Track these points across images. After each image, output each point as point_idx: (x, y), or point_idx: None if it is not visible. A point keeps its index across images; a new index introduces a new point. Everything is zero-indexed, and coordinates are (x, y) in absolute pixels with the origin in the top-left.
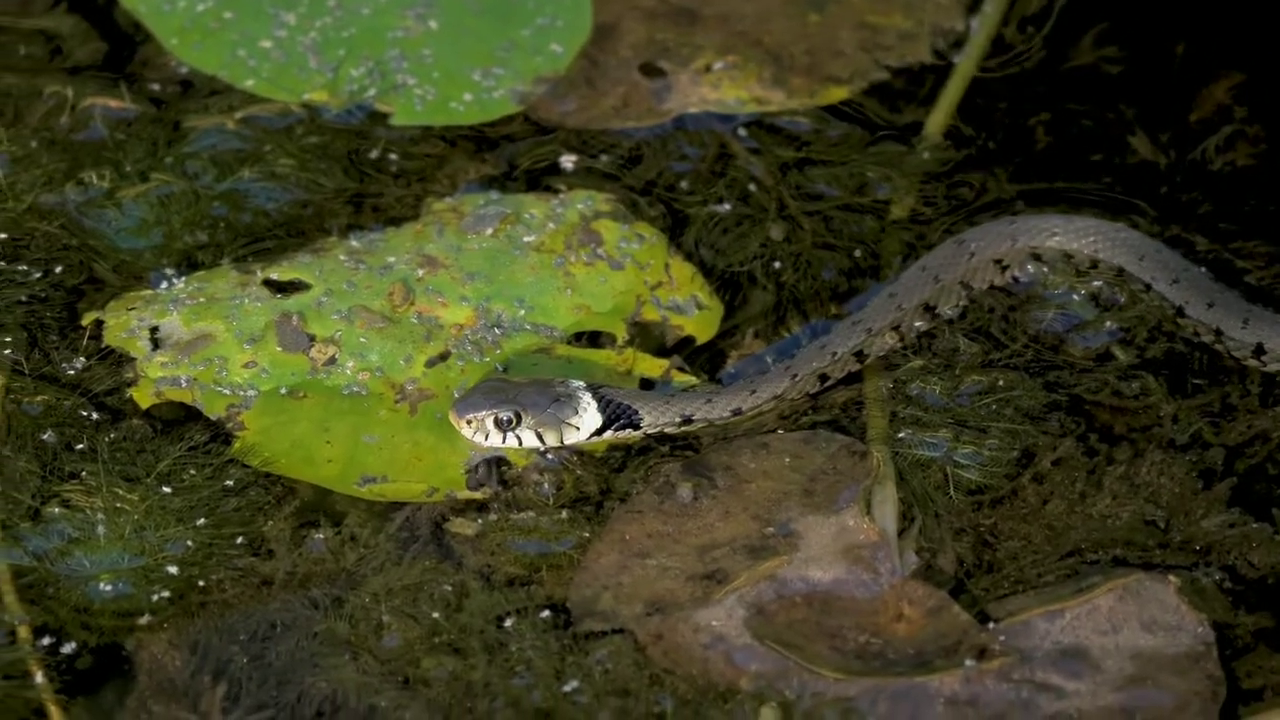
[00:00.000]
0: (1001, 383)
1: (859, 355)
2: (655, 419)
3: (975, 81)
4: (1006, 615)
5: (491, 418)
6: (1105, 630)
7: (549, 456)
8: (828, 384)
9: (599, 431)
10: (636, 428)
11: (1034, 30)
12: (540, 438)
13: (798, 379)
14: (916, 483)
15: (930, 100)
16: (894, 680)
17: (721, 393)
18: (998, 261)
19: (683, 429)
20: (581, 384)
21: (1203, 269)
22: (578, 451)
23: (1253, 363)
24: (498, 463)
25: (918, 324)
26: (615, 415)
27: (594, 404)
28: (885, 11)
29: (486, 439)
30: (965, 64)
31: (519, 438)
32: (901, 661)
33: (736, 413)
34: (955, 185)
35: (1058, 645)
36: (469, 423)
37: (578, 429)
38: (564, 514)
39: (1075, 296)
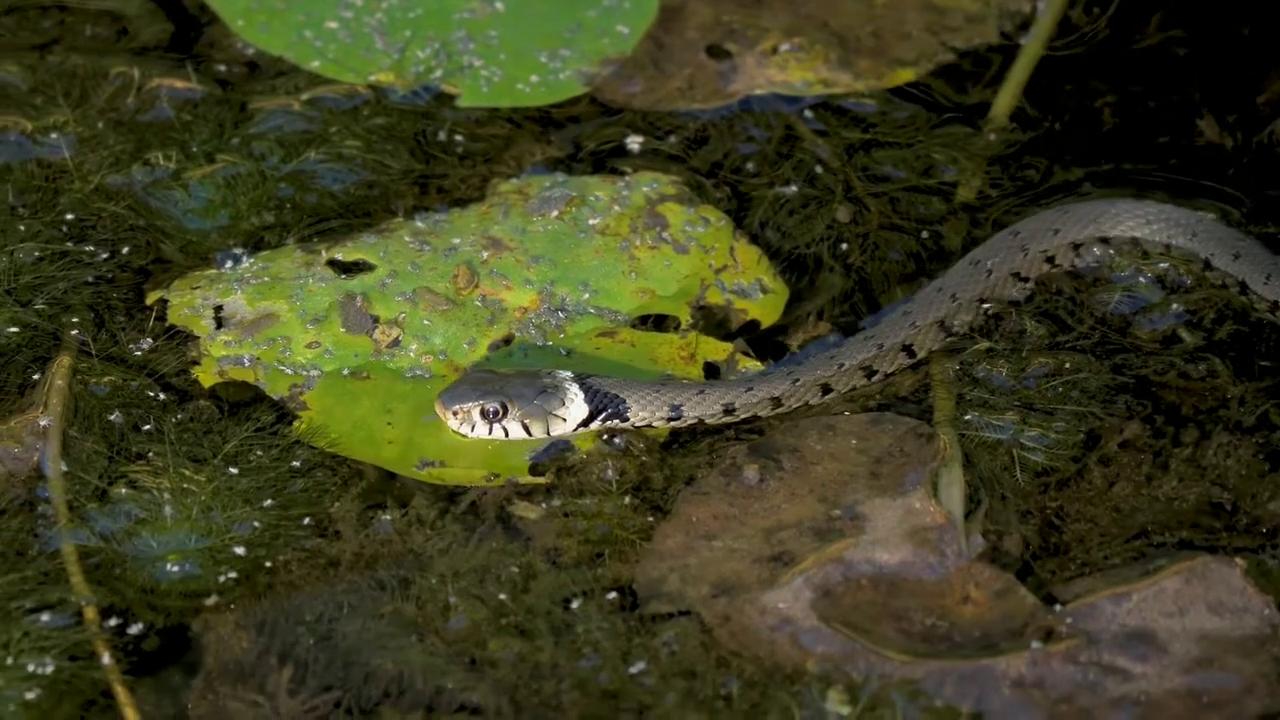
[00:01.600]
0: (1068, 365)
1: (869, 371)
2: (643, 410)
3: (1042, 63)
4: (1073, 598)
5: (478, 409)
6: (1172, 613)
7: (616, 441)
8: (829, 394)
9: (585, 422)
10: (624, 419)
11: (1100, 12)
12: (527, 429)
13: (799, 383)
14: (983, 465)
15: (997, 82)
16: (960, 663)
17: (715, 387)
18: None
19: (672, 424)
20: (569, 374)
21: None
22: (641, 437)
23: None
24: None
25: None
26: (602, 406)
27: (580, 395)
28: None
29: (473, 430)
30: (1032, 46)
31: (505, 429)
32: (968, 644)
33: (729, 410)
34: (1022, 167)
35: (1124, 628)
36: (455, 413)
37: (564, 420)
38: (628, 499)
39: (1141, 279)
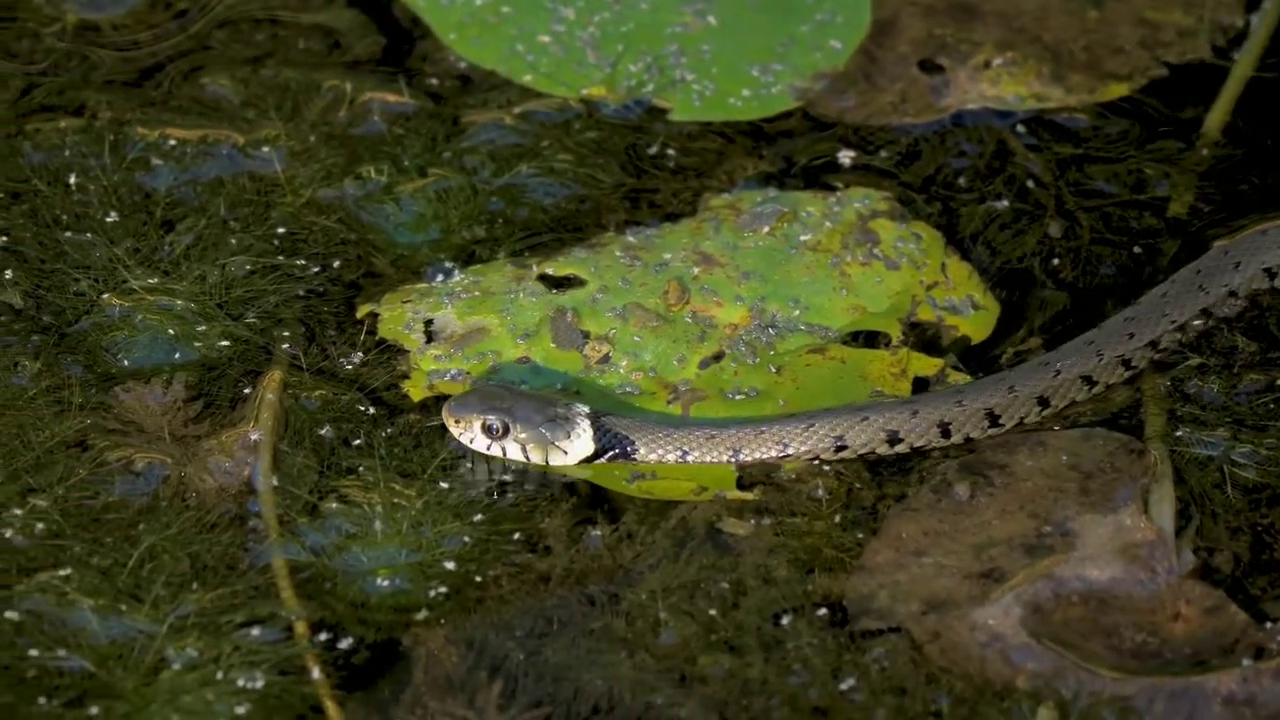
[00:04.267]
0: None
1: (893, 440)
2: (652, 453)
3: (1255, 79)
4: None
5: (480, 422)
6: None
7: (823, 464)
8: (843, 450)
9: (590, 459)
10: (632, 459)
11: None
12: (525, 453)
13: (811, 428)
14: (1194, 481)
15: (1209, 97)
16: (1171, 679)
17: (727, 429)
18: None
19: (681, 464)
20: (584, 409)
21: None
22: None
23: None
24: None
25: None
26: (610, 445)
27: (589, 431)
28: (1165, 8)
29: (472, 443)
30: (1245, 61)
31: (504, 449)
32: (1178, 660)
33: (734, 457)
34: (1235, 183)
35: None
36: (457, 422)
37: (565, 453)
38: (838, 517)
39: None
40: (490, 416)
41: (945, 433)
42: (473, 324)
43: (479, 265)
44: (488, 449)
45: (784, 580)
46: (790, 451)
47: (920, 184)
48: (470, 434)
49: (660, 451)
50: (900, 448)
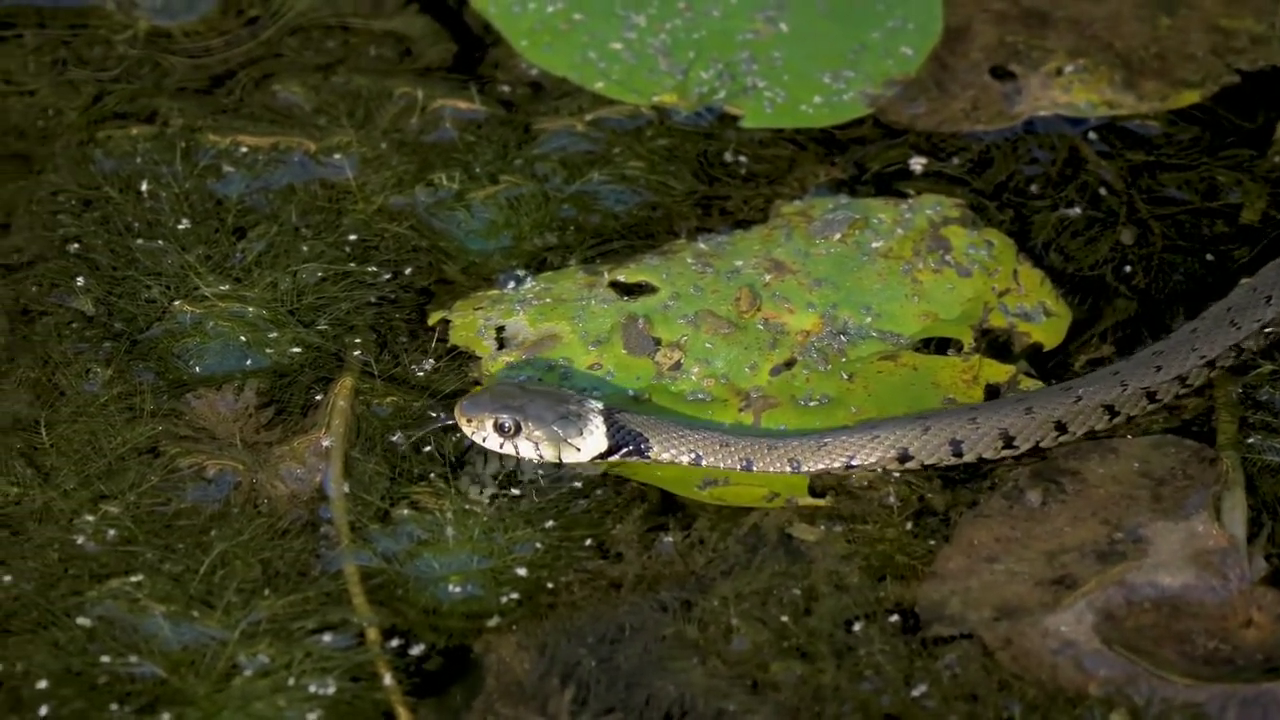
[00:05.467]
0: None
1: (903, 458)
2: (666, 452)
3: None
4: None
5: (492, 420)
6: None
7: (893, 472)
8: (853, 465)
9: (603, 455)
10: (645, 457)
11: None
12: (538, 451)
13: (824, 446)
14: (1266, 488)
15: None
16: (1243, 686)
17: (742, 439)
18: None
19: (693, 467)
20: (598, 405)
21: None
22: (920, 464)
23: None
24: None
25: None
26: (623, 442)
27: (603, 428)
28: (1237, 15)
29: (485, 441)
30: None
31: (516, 446)
32: (1250, 667)
33: (746, 467)
34: None
35: None
36: (469, 421)
37: (578, 450)
38: (910, 523)
39: None
40: (502, 415)
41: (957, 452)
42: (544, 331)
43: (550, 272)
44: (500, 447)
45: (856, 587)
46: (803, 469)
47: (992, 191)
48: (483, 432)
49: (673, 451)
50: (911, 464)
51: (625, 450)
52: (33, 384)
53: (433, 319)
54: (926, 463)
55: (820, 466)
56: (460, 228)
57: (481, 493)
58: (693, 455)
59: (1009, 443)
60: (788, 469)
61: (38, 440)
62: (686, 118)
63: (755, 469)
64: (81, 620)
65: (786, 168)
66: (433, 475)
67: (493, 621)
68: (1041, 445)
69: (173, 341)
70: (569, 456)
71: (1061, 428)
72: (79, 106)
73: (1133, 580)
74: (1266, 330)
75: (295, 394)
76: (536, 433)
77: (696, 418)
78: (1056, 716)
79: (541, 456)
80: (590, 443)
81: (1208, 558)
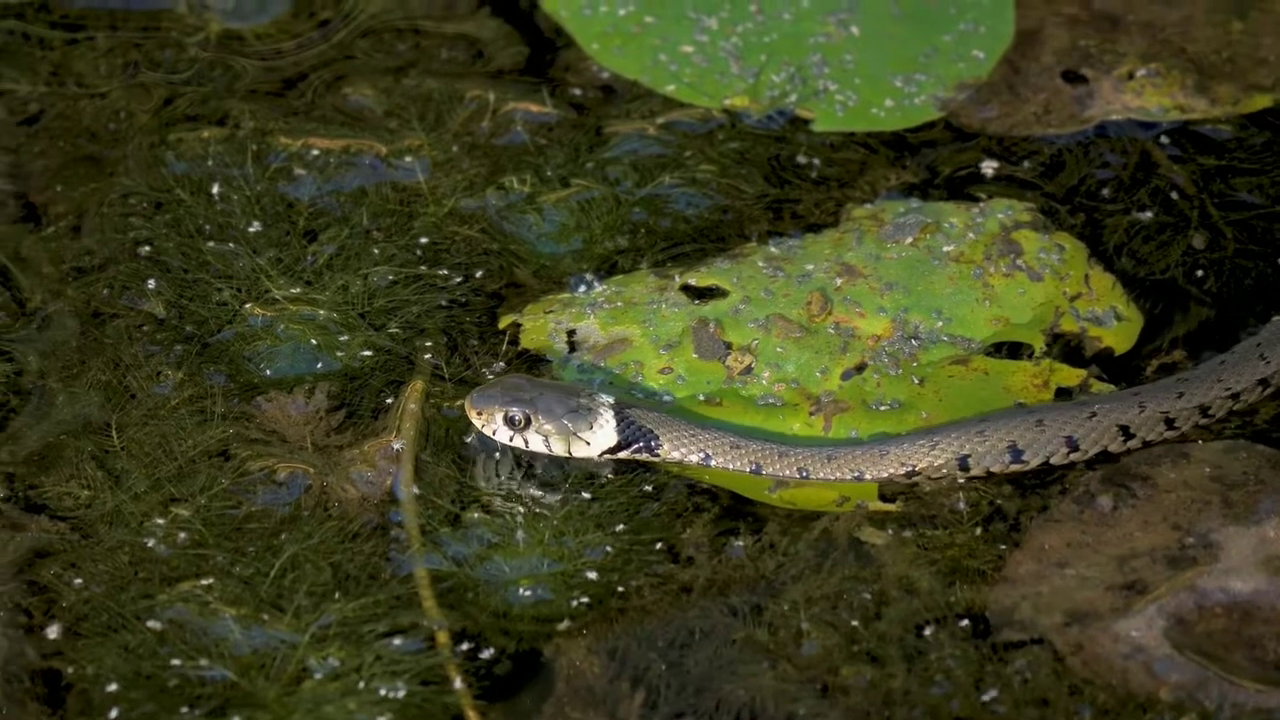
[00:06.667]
0: None
1: (910, 475)
2: (675, 450)
3: None
4: None
5: (502, 414)
6: None
7: (960, 478)
8: (862, 479)
9: (613, 450)
10: (655, 454)
11: None
12: (548, 444)
13: (834, 459)
14: None
15: None
16: None
17: (753, 443)
18: None
19: (701, 467)
20: (609, 400)
21: None
22: (989, 471)
23: None
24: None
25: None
26: (633, 438)
27: (613, 423)
28: None
29: (495, 434)
30: None
31: (526, 440)
32: None
33: (755, 471)
34: None
35: None
36: (479, 414)
37: (588, 444)
38: (979, 528)
39: None
40: (513, 408)
41: (964, 466)
42: (615, 334)
43: (621, 276)
44: (510, 440)
45: (926, 591)
46: (811, 478)
47: (1063, 195)
48: (492, 425)
49: (683, 450)
50: (918, 479)
51: (635, 446)
52: (104, 387)
53: (503, 322)
54: (933, 478)
55: (827, 477)
56: (531, 231)
57: (551, 496)
58: (702, 455)
59: (1017, 457)
60: (796, 476)
61: (109, 443)
62: (758, 121)
63: (764, 473)
64: (152, 623)
65: (858, 171)
66: (503, 478)
67: (563, 625)
68: (1050, 461)
69: (244, 345)
70: (578, 451)
71: (1073, 445)
72: (151, 109)
73: (1204, 585)
74: None
75: (366, 397)
76: (546, 426)
77: (708, 418)
78: None
79: (551, 450)
80: (600, 437)
81: (1278, 563)
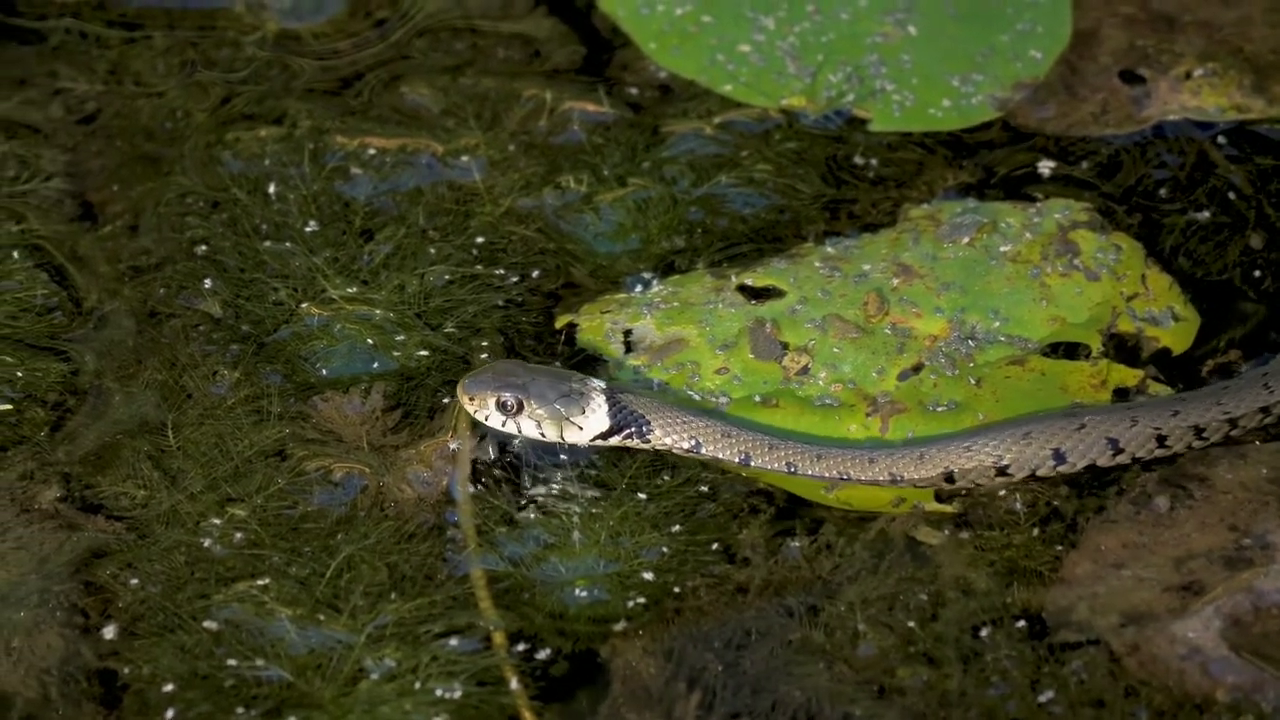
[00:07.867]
0: None
1: (948, 477)
2: (666, 436)
3: None
4: None
5: (494, 399)
6: None
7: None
8: (846, 479)
9: (604, 435)
10: (646, 440)
11: None
12: (540, 429)
13: (822, 459)
14: None
15: None
16: None
17: (744, 432)
18: None
19: (690, 455)
20: (600, 384)
21: None
22: (1035, 474)
23: None
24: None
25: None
26: (625, 423)
27: (605, 407)
28: None
29: (487, 419)
30: None
31: (518, 425)
32: None
33: (744, 461)
34: None
35: None
36: (472, 399)
37: (580, 428)
38: (1036, 529)
39: None
40: (505, 393)
41: (949, 479)
42: (671, 334)
43: (678, 275)
44: (503, 425)
45: (983, 592)
46: (797, 473)
47: (1120, 195)
48: (485, 411)
49: (674, 437)
50: (903, 485)
51: (627, 431)
52: (160, 386)
53: (560, 322)
54: (914, 484)
55: (814, 474)
56: (588, 230)
57: (607, 496)
58: (693, 442)
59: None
60: (783, 470)
61: (165, 443)
62: (815, 121)
63: (753, 464)
64: (208, 623)
65: (915, 171)
66: (559, 479)
67: (619, 626)
68: (1039, 472)
69: (300, 344)
70: (571, 435)
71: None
72: (207, 108)
73: (1261, 586)
74: None
75: (422, 397)
76: (539, 411)
77: (702, 407)
78: None
79: (543, 435)
80: (592, 422)
81: None
